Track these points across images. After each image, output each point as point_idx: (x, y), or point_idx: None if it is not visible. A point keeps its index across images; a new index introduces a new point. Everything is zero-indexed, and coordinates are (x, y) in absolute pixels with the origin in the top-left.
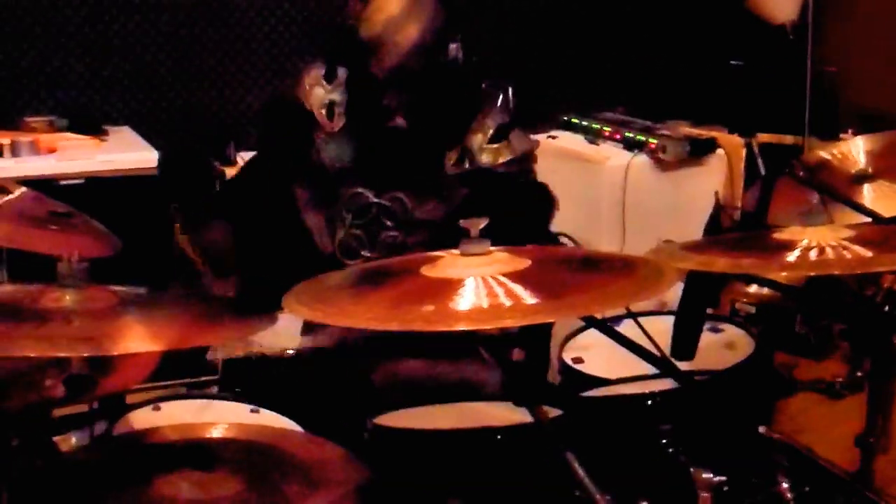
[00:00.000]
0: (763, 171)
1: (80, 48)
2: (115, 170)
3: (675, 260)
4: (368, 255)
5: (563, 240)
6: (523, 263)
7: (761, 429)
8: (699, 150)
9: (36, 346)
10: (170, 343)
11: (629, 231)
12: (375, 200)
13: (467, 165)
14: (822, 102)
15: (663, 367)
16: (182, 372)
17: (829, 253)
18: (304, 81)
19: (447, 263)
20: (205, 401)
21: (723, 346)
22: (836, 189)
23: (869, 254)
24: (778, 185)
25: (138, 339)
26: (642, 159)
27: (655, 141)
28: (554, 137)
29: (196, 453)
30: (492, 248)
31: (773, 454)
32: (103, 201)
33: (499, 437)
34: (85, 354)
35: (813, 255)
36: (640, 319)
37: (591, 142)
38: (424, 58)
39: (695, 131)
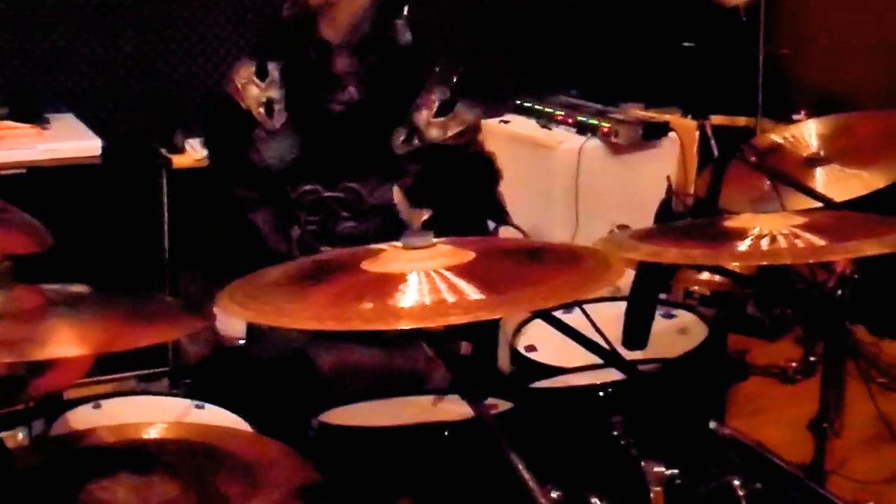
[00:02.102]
0: (715, 147)
1: (20, 32)
2: (57, 159)
3: (625, 250)
4: (329, 249)
5: (510, 230)
6: (467, 256)
7: (712, 424)
8: (652, 134)
9: None
10: (98, 346)
11: (582, 216)
12: (328, 194)
13: (416, 143)
14: (775, 84)
15: (610, 358)
16: (132, 364)
17: (781, 241)
18: (235, 80)
19: (389, 257)
20: (147, 397)
21: (676, 332)
22: (787, 174)
23: (821, 242)
24: (730, 169)
25: (65, 342)
26: (595, 143)
27: (608, 125)
28: (506, 122)
29: (133, 456)
30: (435, 241)
31: (723, 450)
32: (46, 192)
33: (446, 432)
34: (6, 360)
35: (764, 243)
36: (594, 306)
37: (544, 126)
38: (375, 23)
39: (648, 114)
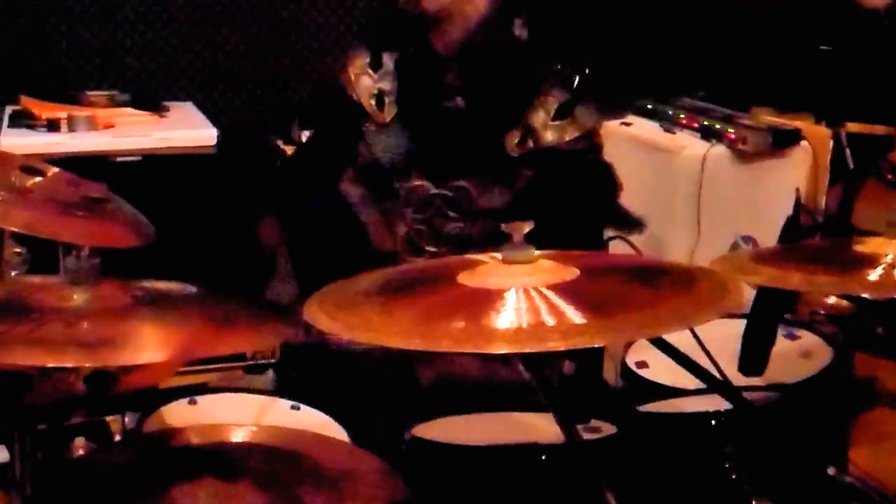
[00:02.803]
0: (849, 158)
1: (144, 21)
2: (172, 147)
3: (744, 272)
4: (434, 249)
5: (620, 243)
6: (571, 273)
7: (831, 470)
8: (782, 142)
9: (28, 352)
10: (178, 353)
11: (705, 226)
12: (437, 192)
13: (531, 145)
14: None
15: (719, 386)
16: (240, 354)
17: None
18: (349, 70)
19: (487, 271)
20: (243, 395)
21: (798, 355)
22: None
23: None
24: (866, 185)
25: (145, 347)
26: (720, 150)
27: (735, 130)
28: (627, 124)
29: (218, 460)
30: (537, 253)
31: (844, 498)
32: (159, 180)
33: (544, 456)
34: (84, 364)
35: None
36: (709, 323)
37: (667, 129)
38: (491, 32)
39: (778, 121)
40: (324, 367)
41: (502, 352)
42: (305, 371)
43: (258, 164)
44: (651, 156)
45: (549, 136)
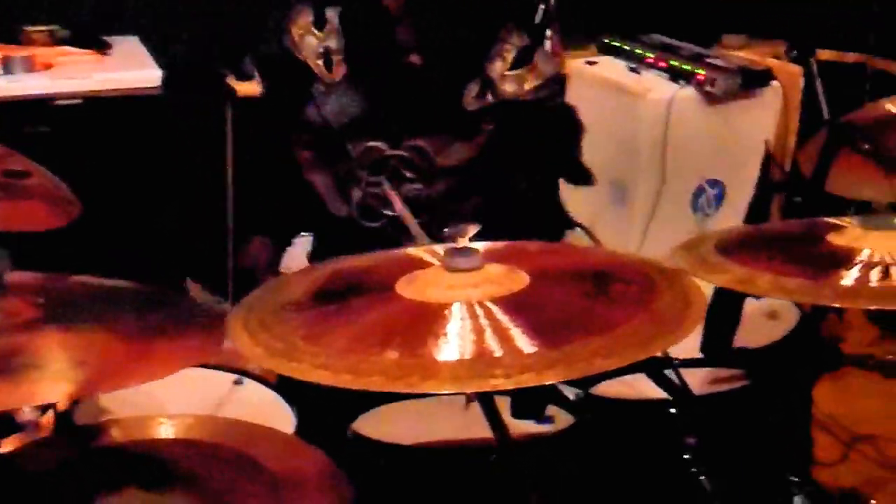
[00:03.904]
0: (823, 103)
1: None
2: (114, 89)
3: (709, 269)
4: (392, 214)
5: (579, 232)
6: (520, 280)
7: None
8: (752, 82)
9: None
10: (80, 388)
11: (670, 171)
12: (392, 152)
13: (490, 98)
14: (892, 16)
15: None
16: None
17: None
18: (292, 31)
19: (427, 279)
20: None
21: (763, 316)
22: None
23: None
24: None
25: (44, 380)
26: (688, 93)
27: (704, 72)
28: (593, 63)
29: (145, 464)
30: (483, 248)
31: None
32: (101, 124)
33: (493, 456)
34: None
35: (874, 276)
36: None
37: (633, 70)
38: None
39: (748, 58)
40: None
41: (441, 392)
42: None
43: (208, 101)
44: (616, 97)
45: (509, 88)
